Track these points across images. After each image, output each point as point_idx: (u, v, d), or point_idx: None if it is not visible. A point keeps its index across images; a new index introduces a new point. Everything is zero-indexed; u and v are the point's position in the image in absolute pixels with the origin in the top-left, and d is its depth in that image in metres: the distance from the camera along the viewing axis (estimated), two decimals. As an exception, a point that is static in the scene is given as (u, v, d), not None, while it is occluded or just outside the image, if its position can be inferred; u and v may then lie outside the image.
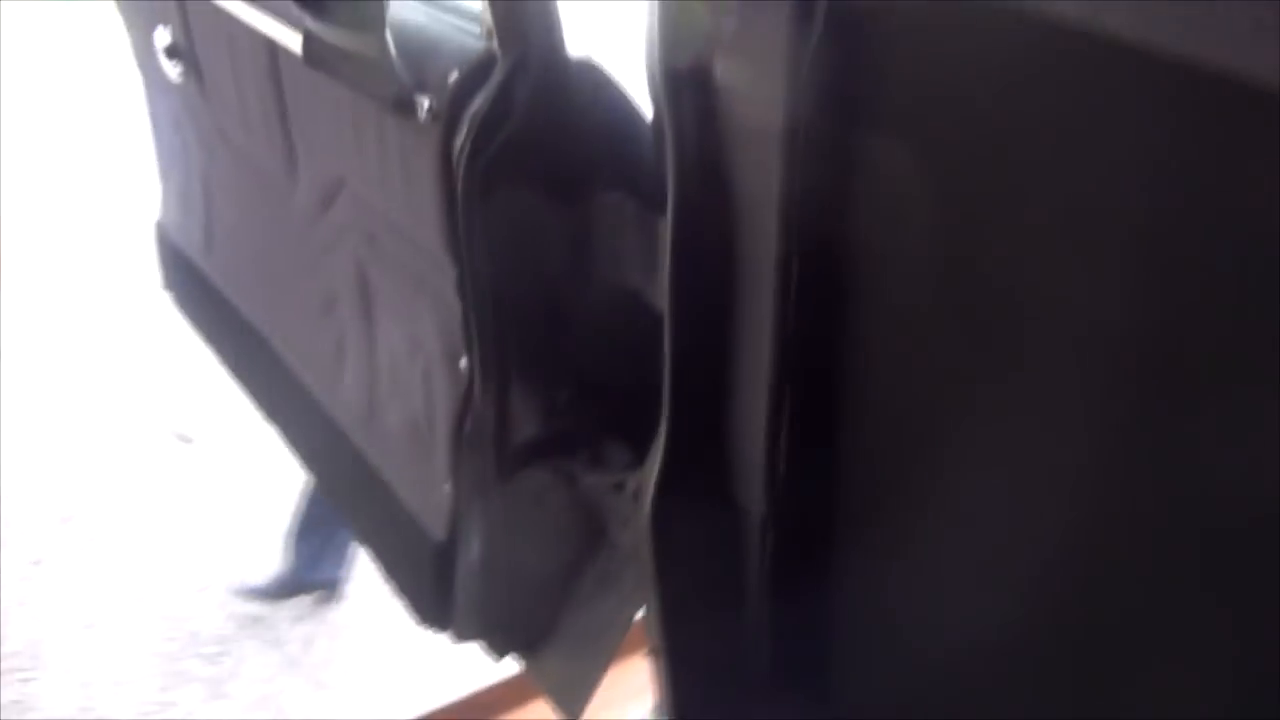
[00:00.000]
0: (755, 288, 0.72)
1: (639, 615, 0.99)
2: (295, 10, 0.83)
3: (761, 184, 0.69)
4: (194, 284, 1.48)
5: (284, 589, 3.19)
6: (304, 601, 3.56)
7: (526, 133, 0.74)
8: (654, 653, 0.93)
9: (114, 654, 3.36)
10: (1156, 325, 0.53)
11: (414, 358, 0.93)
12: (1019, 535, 0.70)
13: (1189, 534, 0.54)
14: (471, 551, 0.97)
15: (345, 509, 1.14)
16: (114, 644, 3.37)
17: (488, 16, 0.74)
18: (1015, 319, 0.63)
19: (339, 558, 3.26)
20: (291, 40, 0.88)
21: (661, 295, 0.79)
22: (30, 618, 3.37)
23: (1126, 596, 0.60)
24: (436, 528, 0.97)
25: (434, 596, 0.99)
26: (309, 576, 3.27)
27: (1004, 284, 0.63)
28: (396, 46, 0.77)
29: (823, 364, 0.77)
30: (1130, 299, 0.54)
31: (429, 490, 0.97)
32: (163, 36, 1.20)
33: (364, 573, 3.64)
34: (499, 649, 1.04)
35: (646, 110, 0.78)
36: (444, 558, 0.97)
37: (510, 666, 1.12)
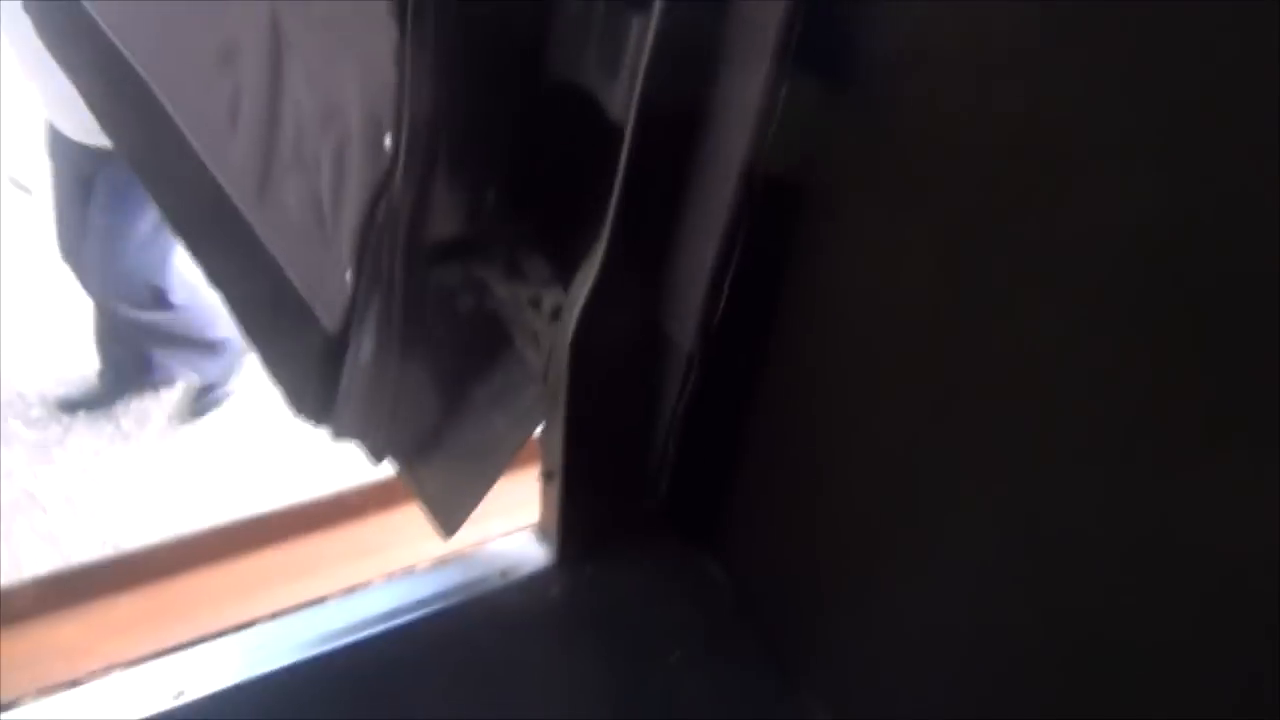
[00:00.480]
0: (736, 112, 0.66)
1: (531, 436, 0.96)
2: None
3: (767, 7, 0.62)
4: (62, 11, 1.30)
5: (99, 399, 3.13)
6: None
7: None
8: (547, 476, 0.90)
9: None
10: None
11: (327, 128, 0.84)
12: (928, 418, 0.68)
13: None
14: (363, 346, 0.91)
15: (222, 284, 1.04)
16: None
17: None
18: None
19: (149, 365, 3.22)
20: None
21: (619, 103, 0.72)
22: None
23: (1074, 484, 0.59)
24: (329, 317, 0.89)
25: (317, 389, 0.93)
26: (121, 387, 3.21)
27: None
28: None
29: (782, 214, 0.72)
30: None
31: (325, 276, 0.89)
32: None
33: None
34: (377, 452, 0.99)
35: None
36: (334, 351, 0.90)
37: (374, 471, 1.08)
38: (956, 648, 0.71)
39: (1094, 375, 0.55)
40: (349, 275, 0.86)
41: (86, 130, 2.36)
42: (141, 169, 1.20)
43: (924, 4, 0.59)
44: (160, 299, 2.81)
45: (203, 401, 3.27)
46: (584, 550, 0.91)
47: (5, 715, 1.09)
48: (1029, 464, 0.61)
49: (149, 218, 2.57)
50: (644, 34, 0.67)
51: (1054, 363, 0.58)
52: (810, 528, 0.85)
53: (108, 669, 0.97)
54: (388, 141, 0.76)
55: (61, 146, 2.52)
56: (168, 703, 0.76)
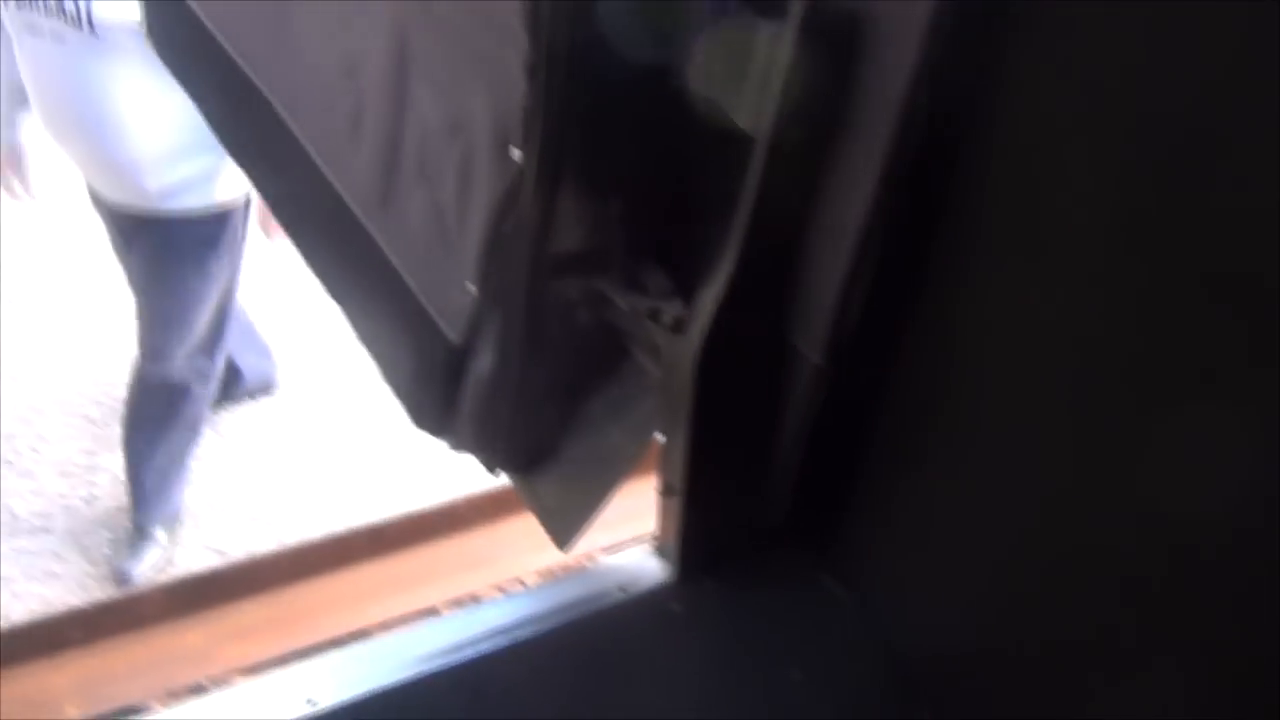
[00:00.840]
0: (872, 121, 0.65)
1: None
2: None
3: (911, 12, 0.61)
4: (183, 29, 1.34)
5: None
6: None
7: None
8: (666, 490, 0.89)
9: (39, 413, 3.29)
10: None
11: (453, 140, 0.84)
12: (1070, 447, 0.66)
13: None
14: (484, 358, 0.91)
15: (342, 295, 1.06)
16: (39, 404, 3.31)
17: None
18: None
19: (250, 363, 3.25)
20: None
21: (747, 113, 0.71)
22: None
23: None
24: (451, 328, 0.90)
25: (437, 400, 0.93)
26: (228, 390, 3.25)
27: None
28: None
29: (917, 225, 0.70)
30: None
31: (448, 287, 0.89)
32: None
33: (301, 365, 3.60)
34: (495, 464, 0.99)
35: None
36: (456, 362, 0.91)
37: (484, 481, 1.09)
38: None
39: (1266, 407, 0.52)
40: (472, 286, 0.86)
41: (122, 190, 2.44)
42: (261, 185, 1.23)
43: (1074, 8, 0.57)
44: (204, 354, 2.80)
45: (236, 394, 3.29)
46: (703, 565, 0.89)
47: (135, 719, 1.12)
48: (1177, 498, 0.59)
49: (188, 283, 2.61)
50: (775, 43, 0.66)
51: (1210, 396, 0.55)
52: (933, 547, 0.82)
53: (230, 674, 1.00)
54: (515, 154, 0.77)
55: (100, 205, 2.60)
56: (301, 709, 0.77)
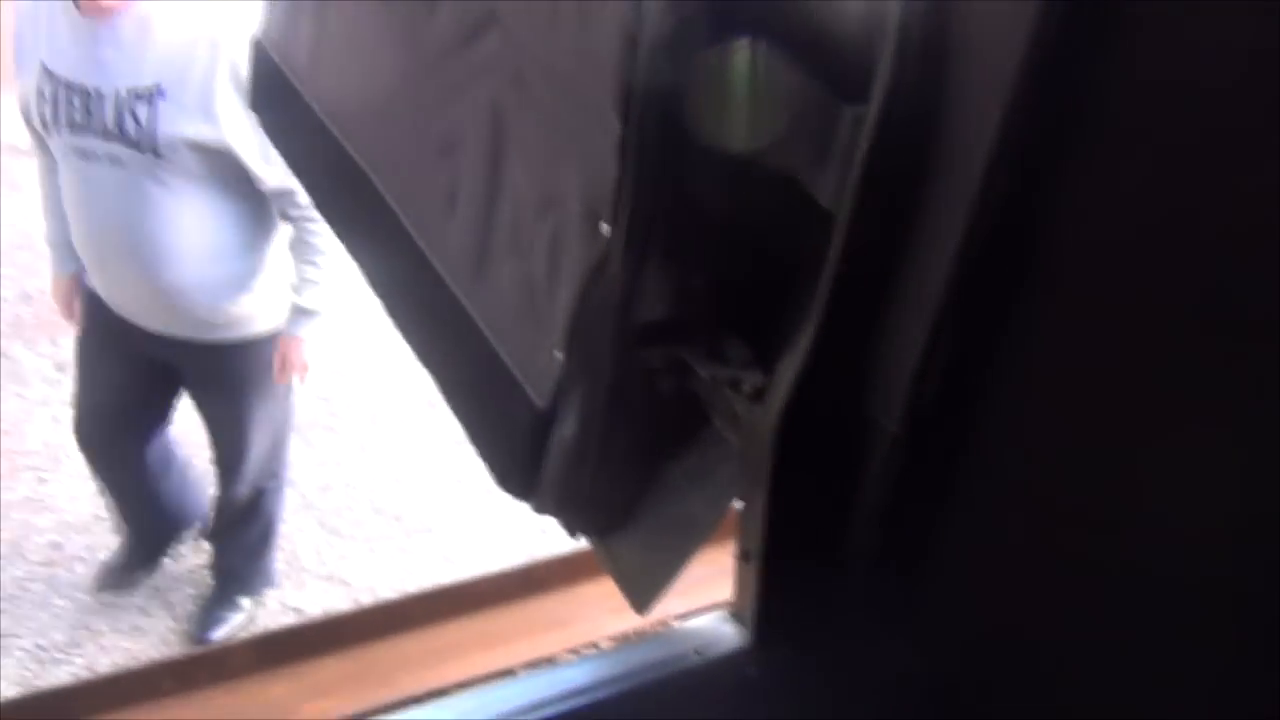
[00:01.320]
0: (952, 202, 0.67)
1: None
2: None
3: (989, 97, 0.63)
4: (289, 108, 1.42)
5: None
6: (330, 442, 3.59)
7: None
8: (744, 555, 0.91)
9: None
10: None
11: (544, 215, 0.89)
12: (1162, 522, 0.66)
13: None
14: (569, 424, 0.94)
15: (433, 362, 1.11)
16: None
17: None
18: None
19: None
20: None
21: (828, 191, 0.74)
22: (50, 420, 3.42)
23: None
24: (538, 393, 0.93)
25: (524, 464, 0.96)
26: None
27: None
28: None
29: (997, 296, 0.72)
30: None
31: (536, 354, 0.93)
32: None
33: (388, 430, 3.67)
34: (576, 527, 1.02)
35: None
36: (541, 427, 0.94)
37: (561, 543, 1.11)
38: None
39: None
40: (559, 353, 0.90)
41: (175, 320, 2.38)
42: (359, 256, 1.29)
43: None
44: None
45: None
46: (780, 632, 0.90)
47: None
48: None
49: (252, 410, 2.54)
50: (857, 125, 0.69)
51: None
52: (1012, 621, 0.82)
53: (314, 728, 1.02)
54: (604, 229, 0.80)
55: (131, 341, 2.52)
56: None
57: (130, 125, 2.14)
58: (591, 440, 0.94)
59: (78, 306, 2.55)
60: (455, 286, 1.06)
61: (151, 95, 2.13)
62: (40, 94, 2.20)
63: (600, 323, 0.87)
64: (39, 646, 2.70)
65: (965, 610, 0.86)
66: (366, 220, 1.23)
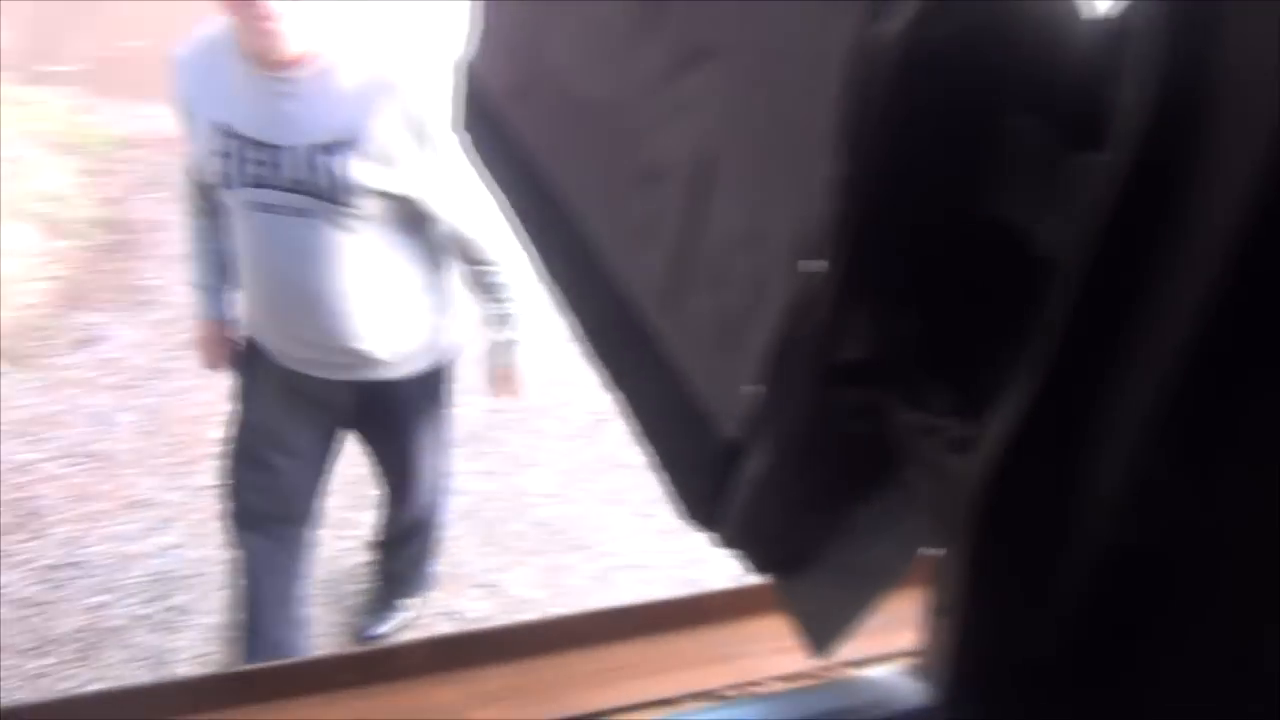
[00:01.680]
0: (1196, 261, 0.63)
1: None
2: None
3: (1247, 146, 0.59)
4: (495, 129, 1.47)
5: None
6: (496, 454, 3.70)
7: (969, 31, 0.67)
8: (939, 611, 0.88)
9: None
10: None
11: (749, 247, 0.88)
12: None
13: None
14: (758, 459, 0.93)
15: (622, 387, 1.12)
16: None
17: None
18: None
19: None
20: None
21: (1051, 239, 0.71)
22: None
23: None
24: (729, 427, 0.93)
25: (710, 496, 0.96)
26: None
27: None
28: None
29: (1245, 368, 0.67)
30: None
31: (729, 387, 0.93)
32: None
33: (553, 446, 3.74)
34: (757, 563, 1.01)
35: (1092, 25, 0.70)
36: (730, 459, 0.93)
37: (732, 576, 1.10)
38: None
39: None
40: (754, 388, 0.89)
41: (347, 364, 2.46)
42: (551, 279, 1.32)
43: None
44: None
45: None
46: (969, 693, 0.87)
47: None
48: None
49: (419, 439, 2.63)
50: (1090, 173, 0.66)
51: None
52: (1234, 703, 0.76)
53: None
54: (812, 266, 0.79)
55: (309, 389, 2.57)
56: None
57: (316, 177, 2.14)
58: (780, 477, 0.93)
59: (228, 354, 2.60)
60: (649, 314, 1.06)
61: (337, 146, 2.12)
62: (218, 154, 2.21)
63: (799, 359, 0.85)
64: (217, 626, 2.86)
65: (1179, 696, 0.80)
66: (563, 243, 1.26)
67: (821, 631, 0.97)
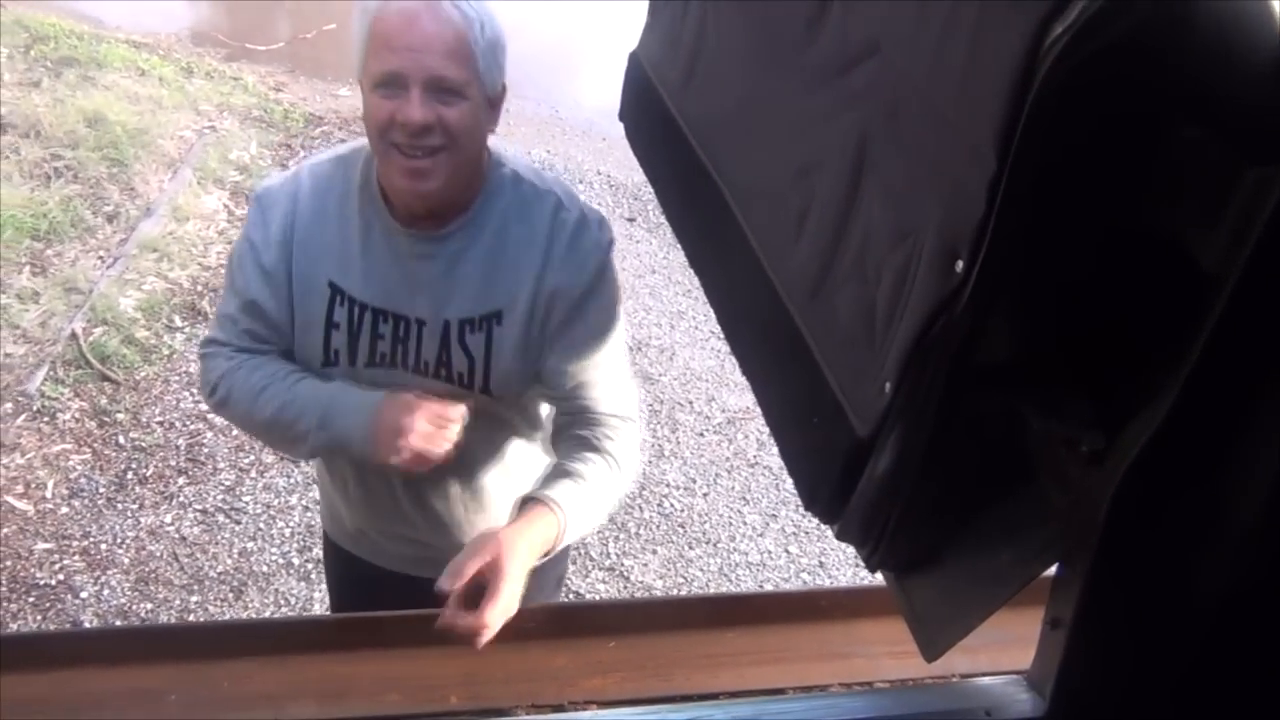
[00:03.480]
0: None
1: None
2: None
3: None
4: (655, 119, 1.50)
5: None
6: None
7: (1137, 37, 0.66)
8: (1053, 623, 0.87)
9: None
10: None
11: (897, 245, 0.89)
12: None
13: None
14: (887, 457, 0.94)
15: (759, 376, 1.14)
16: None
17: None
18: None
19: None
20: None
21: (1214, 254, 0.70)
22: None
23: None
24: (861, 423, 0.94)
25: (836, 489, 0.97)
26: None
27: None
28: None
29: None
30: None
31: (865, 383, 0.93)
32: None
33: (688, 440, 3.76)
34: (876, 561, 1.01)
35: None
36: (860, 454, 0.94)
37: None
38: None
39: None
40: (889, 385, 0.90)
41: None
42: (701, 266, 1.35)
43: None
44: None
45: None
46: (1079, 708, 0.86)
47: (505, 718, 1.24)
48: None
49: None
50: (1262, 188, 0.65)
51: None
52: None
53: (588, 703, 1.08)
54: (959, 267, 0.80)
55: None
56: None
57: (458, 360, 1.69)
58: (908, 477, 0.93)
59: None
60: (792, 306, 1.08)
61: (488, 322, 1.68)
62: (333, 325, 1.71)
63: (937, 360, 0.86)
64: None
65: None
66: (714, 233, 1.29)
67: (935, 635, 0.97)
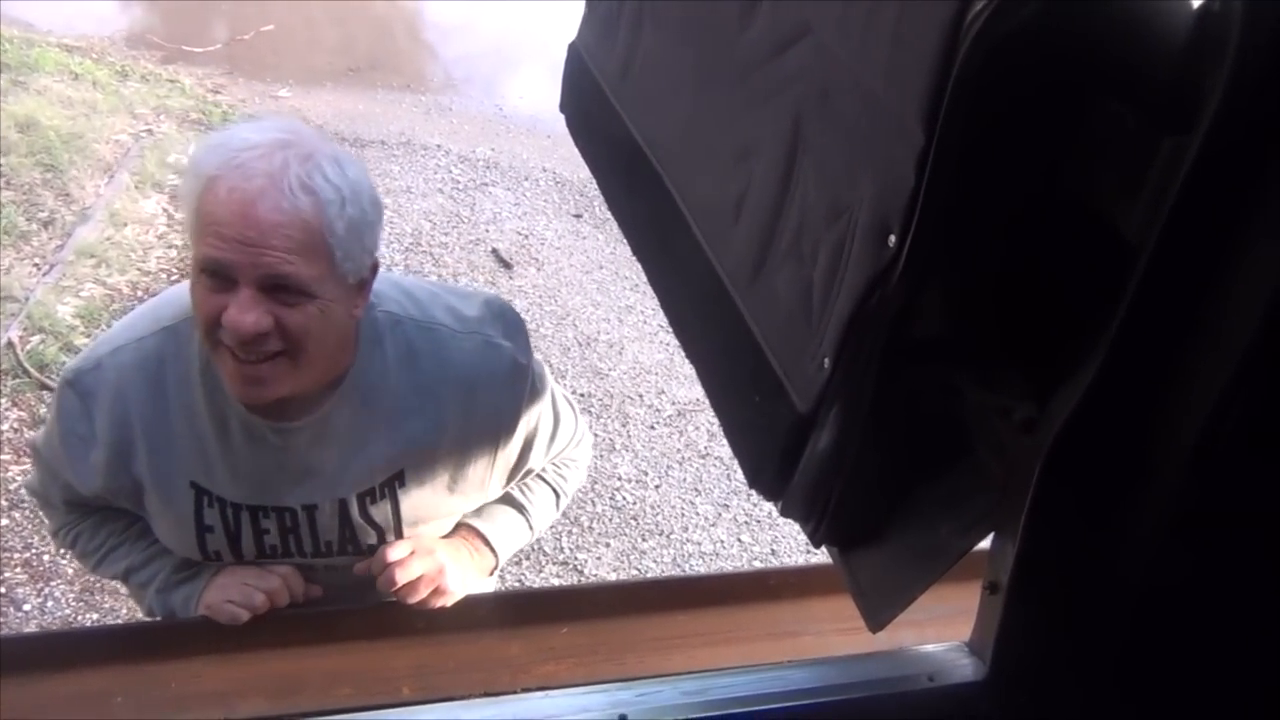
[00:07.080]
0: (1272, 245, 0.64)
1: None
2: None
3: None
4: (595, 109, 1.51)
5: None
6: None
7: (1054, 13, 0.68)
8: (991, 587, 0.89)
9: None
10: None
11: (831, 223, 0.90)
12: None
13: None
14: (827, 432, 0.95)
15: (702, 358, 1.15)
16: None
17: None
18: None
19: None
20: None
21: (1135, 223, 0.72)
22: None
23: None
24: (802, 399, 0.95)
25: (778, 466, 0.99)
26: None
27: None
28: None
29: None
30: None
31: (804, 360, 0.95)
32: None
33: (638, 434, 3.78)
34: (820, 536, 1.03)
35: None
36: (800, 432, 0.96)
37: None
38: None
39: None
40: (828, 361, 0.91)
41: None
42: (643, 253, 1.36)
43: None
44: None
45: None
46: (1018, 671, 0.88)
47: (456, 703, 1.24)
48: None
49: None
50: (1177, 156, 0.67)
51: None
52: None
53: (544, 688, 1.08)
54: (892, 241, 0.81)
55: None
56: (611, 720, 0.83)
57: (364, 535, 1.46)
58: (848, 452, 0.95)
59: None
60: (734, 289, 1.09)
61: (389, 488, 1.44)
62: (205, 528, 1.44)
63: (873, 335, 0.87)
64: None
65: (1233, 690, 0.80)
66: (656, 220, 1.30)
67: (879, 606, 0.99)
